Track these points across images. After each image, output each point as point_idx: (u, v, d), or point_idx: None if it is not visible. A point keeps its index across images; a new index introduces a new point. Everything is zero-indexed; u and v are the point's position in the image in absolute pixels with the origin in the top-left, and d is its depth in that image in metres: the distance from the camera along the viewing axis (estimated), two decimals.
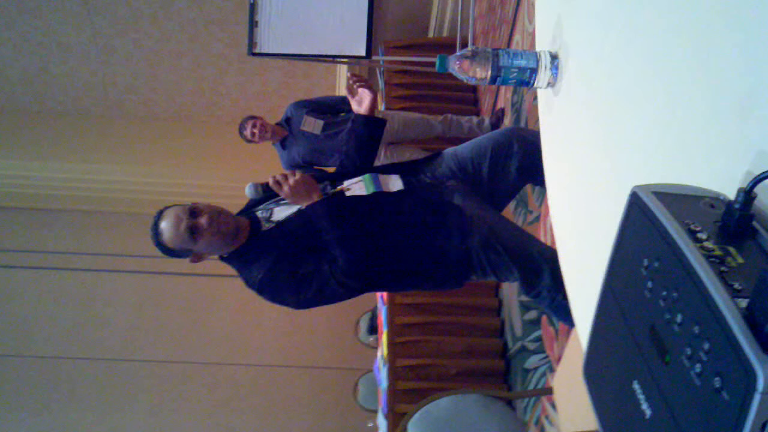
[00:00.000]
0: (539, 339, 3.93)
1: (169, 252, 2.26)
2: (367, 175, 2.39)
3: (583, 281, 1.35)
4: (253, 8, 4.51)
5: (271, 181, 2.17)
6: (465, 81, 1.57)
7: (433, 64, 1.67)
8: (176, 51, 6.58)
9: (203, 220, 2.18)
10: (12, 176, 6.88)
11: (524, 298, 4.23)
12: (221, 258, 2.32)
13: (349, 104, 4.20)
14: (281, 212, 2.32)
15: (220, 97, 6.93)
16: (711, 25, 0.90)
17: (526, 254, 2.29)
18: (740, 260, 0.70)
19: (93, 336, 6.58)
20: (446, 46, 5.77)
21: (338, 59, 4.91)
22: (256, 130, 4.55)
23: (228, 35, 6.40)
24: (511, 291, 4.59)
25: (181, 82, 6.81)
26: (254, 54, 4.55)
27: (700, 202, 0.80)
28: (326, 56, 4.72)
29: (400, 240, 2.27)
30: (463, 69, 1.53)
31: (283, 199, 2.32)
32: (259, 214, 2.35)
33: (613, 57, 1.24)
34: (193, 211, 2.20)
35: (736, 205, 0.74)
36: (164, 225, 2.21)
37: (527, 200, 4.25)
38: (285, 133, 4.62)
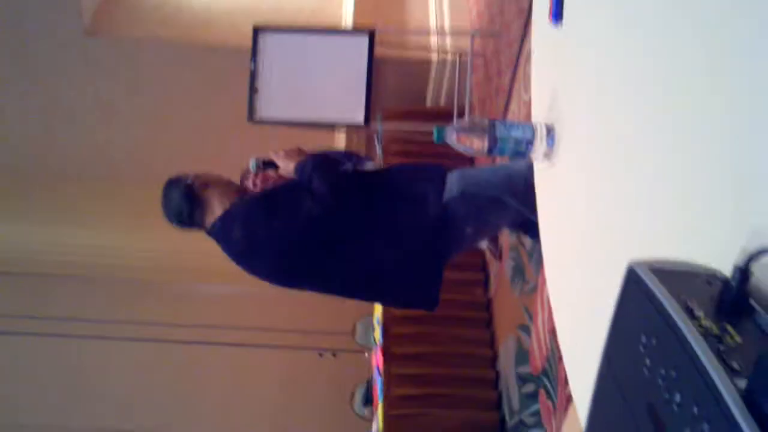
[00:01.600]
0: (537, 413, 3.86)
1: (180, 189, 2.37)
2: None
3: (581, 355, 1.33)
4: (253, 75, 4.59)
5: (271, 153, 2.39)
6: (462, 152, 1.58)
7: (430, 132, 1.69)
8: (178, 116, 6.65)
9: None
10: (10, 241, 6.88)
11: (521, 370, 4.18)
12: (207, 232, 2.38)
13: (350, 157, 4.15)
14: None
15: (220, 161, 6.96)
16: (705, 104, 0.91)
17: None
18: (738, 339, 0.69)
19: (87, 405, 6.48)
20: (443, 115, 5.84)
21: (337, 126, 4.97)
22: (258, 180, 4.53)
23: (229, 100, 6.46)
24: (508, 362, 4.53)
25: (182, 147, 6.86)
26: (254, 121, 4.61)
27: (697, 279, 0.80)
28: (325, 123, 4.78)
29: (383, 202, 2.33)
30: (460, 141, 1.54)
31: None
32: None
33: (608, 131, 1.25)
34: None
35: (733, 283, 0.74)
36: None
37: (524, 269, 4.24)
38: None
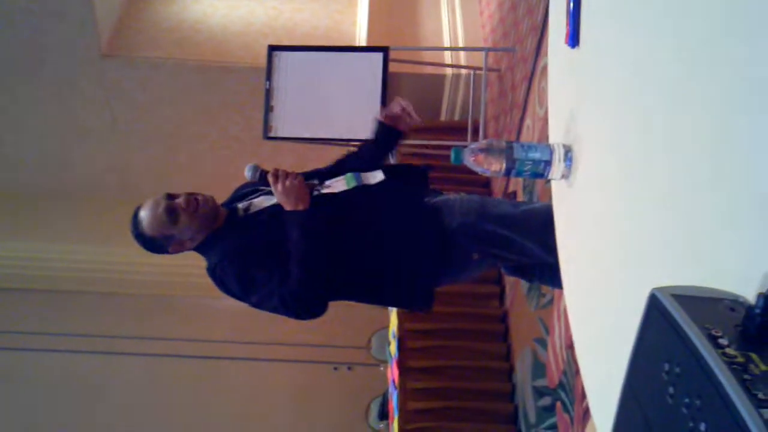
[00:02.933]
0: (554, 426, 3.85)
1: (149, 243, 2.20)
2: (349, 174, 2.32)
3: (600, 371, 1.34)
4: (268, 94, 4.63)
5: (271, 171, 2.14)
6: (480, 173, 1.59)
7: (445, 147, 1.70)
8: (193, 135, 6.71)
9: (180, 200, 2.16)
10: (26, 258, 6.94)
11: (538, 383, 4.17)
12: (196, 249, 2.26)
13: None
14: (260, 204, 2.29)
15: (235, 180, 7.00)
16: (726, 126, 0.92)
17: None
18: (763, 367, 0.69)
19: (99, 420, 6.50)
20: (458, 129, 5.85)
21: (352, 142, 4.98)
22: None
23: (244, 119, 6.52)
24: (524, 375, 4.52)
25: (197, 165, 6.92)
26: (270, 138, 4.64)
27: (720, 305, 0.80)
28: (340, 140, 4.80)
29: (372, 246, 2.22)
30: (478, 162, 1.55)
31: (265, 193, 2.30)
32: (239, 205, 2.32)
33: (626, 151, 1.25)
34: (170, 195, 2.20)
35: (757, 310, 0.74)
36: (143, 212, 2.18)
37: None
38: None
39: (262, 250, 2.17)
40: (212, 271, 2.20)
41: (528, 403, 4.40)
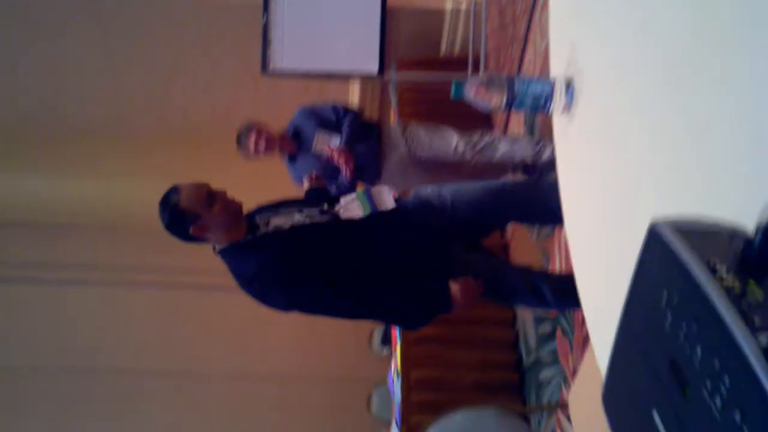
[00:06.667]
0: (554, 351, 3.93)
1: (177, 215, 2.28)
2: (360, 192, 2.52)
3: (601, 305, 1.37)
4: (266, 27, 4.57)
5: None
6: (481, 107, 1.59)
7: (445, 82, 1.70)
8: (190, 69, 6.63)
9: (221, 191, 2.34)
10: (27, 192, 6.96)
11: (538, 311, 4.25)
12: (217, 251, 2.39)
13: (337, 112, 3.87)
14: (277, 221, 2.42)
15: (233, 115, 6.94)
16: (728, 56, 0.92)
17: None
18: (760, 296, 0.70)
19: (106, 347, 6.62)
20: (458, 64, 5.79)
21: (351, 77, 4.96)
22: (261, 142, 3.65)
23: (241, 52, 6.44)
24: None
25: (195, 100, 6.85)
26: (268, 72, 4.60)
27: (719, 236, 0.80)
28: (340, 73, 4.76)
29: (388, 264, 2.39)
30: (478, 95, 1.55)
31: (282, 211, 2.46)
32: (257, 219, 2.44)
33: (628, 83, 1.25)
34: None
35: (756, 241, 0.75)
36: (184, 188, 2.31)
37: None
38: (293, 145, 3.74)
39: (298, 257, 2.33)
40: (252, 276, 2.33)
41: (528, 330, 4.48)
